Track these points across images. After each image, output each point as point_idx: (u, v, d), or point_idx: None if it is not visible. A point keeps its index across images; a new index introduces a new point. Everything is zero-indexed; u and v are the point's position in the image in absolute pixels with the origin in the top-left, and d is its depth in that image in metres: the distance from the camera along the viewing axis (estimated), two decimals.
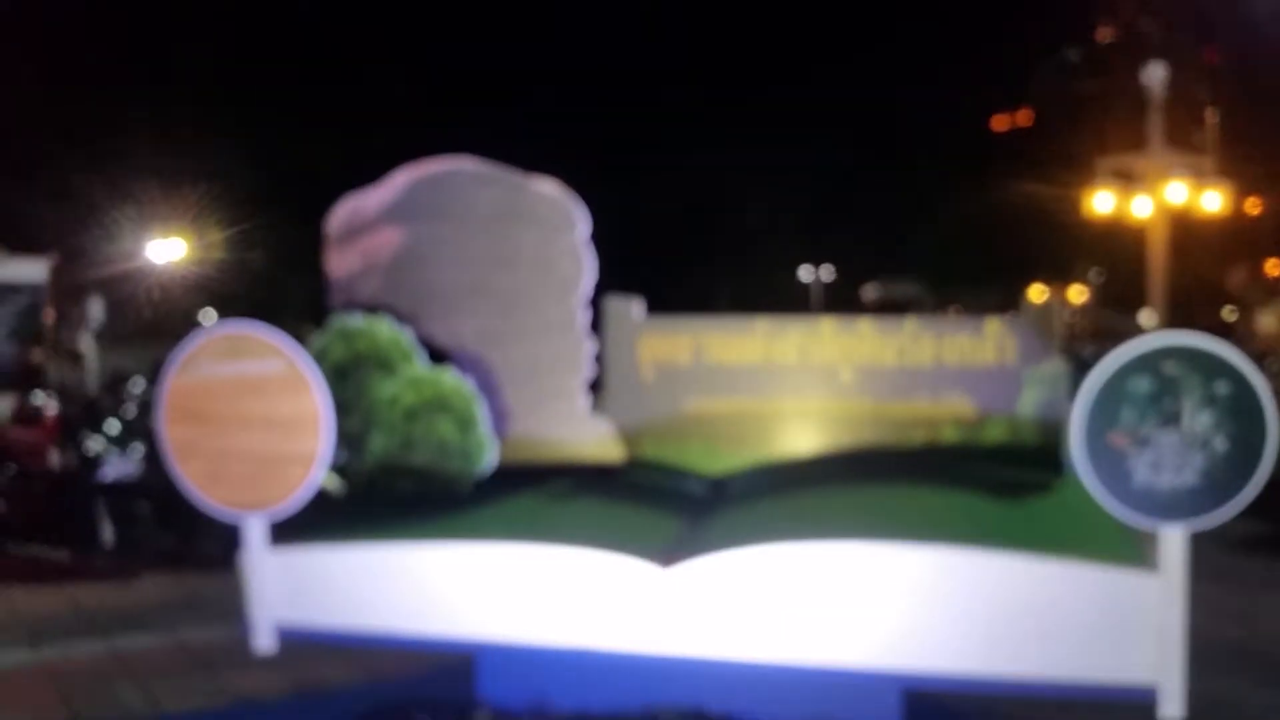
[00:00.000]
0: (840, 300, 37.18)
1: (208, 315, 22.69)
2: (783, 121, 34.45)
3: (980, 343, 4.17)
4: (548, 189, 4.73)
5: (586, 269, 4.64)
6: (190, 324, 22.38)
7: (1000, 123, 42.18)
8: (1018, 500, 3.82)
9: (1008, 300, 19.29)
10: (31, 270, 17.94)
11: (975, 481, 3.89)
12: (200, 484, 3.83)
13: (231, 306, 20.81)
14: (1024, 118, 41.65)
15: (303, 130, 24.91)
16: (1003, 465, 4.04)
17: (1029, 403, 4.10)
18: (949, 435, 4.17)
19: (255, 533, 3.82)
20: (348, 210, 4.78)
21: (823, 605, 3.46)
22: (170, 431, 3.81)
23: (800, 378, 4.29)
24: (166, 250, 18.85)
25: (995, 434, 4.14)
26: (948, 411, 4.18)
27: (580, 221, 4.64)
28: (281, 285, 20.62)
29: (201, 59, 26.36)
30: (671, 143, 30.70)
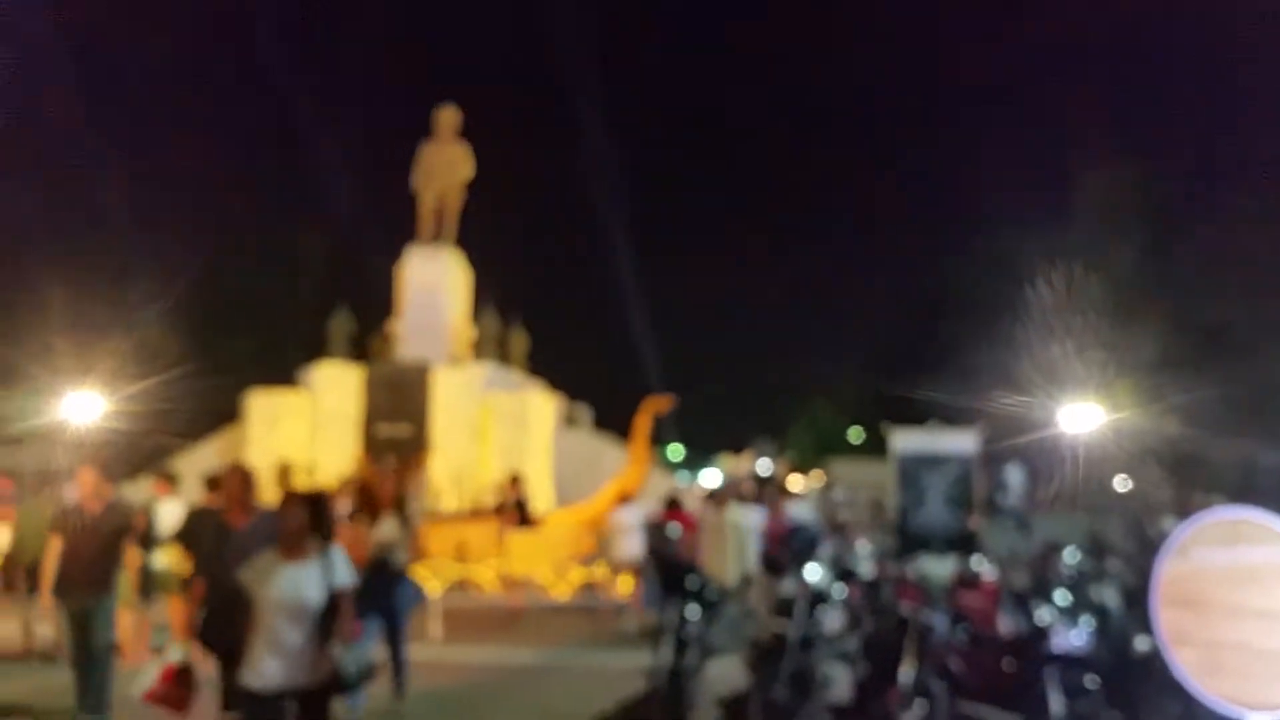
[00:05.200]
0: None
1: (1124, 483, 22.29)
2: None
3: None
4: None
5: None
6: (1106, 493, 22.22)
7: None
8: None
9: None
10: (962, 441, 19.55)
11: None
12: (1194, 672, 3.71)
13: (1148, 476, 20.18)
14: None
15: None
16: None
17: None
18: None
19: None
20: None
21: None
22: (1164, 616, 3.78)
23: None
24: (1081, 418, 19.14)
25: None
26: None
27: None
28: (1199, 456, 19.45)
29: None
30: None
